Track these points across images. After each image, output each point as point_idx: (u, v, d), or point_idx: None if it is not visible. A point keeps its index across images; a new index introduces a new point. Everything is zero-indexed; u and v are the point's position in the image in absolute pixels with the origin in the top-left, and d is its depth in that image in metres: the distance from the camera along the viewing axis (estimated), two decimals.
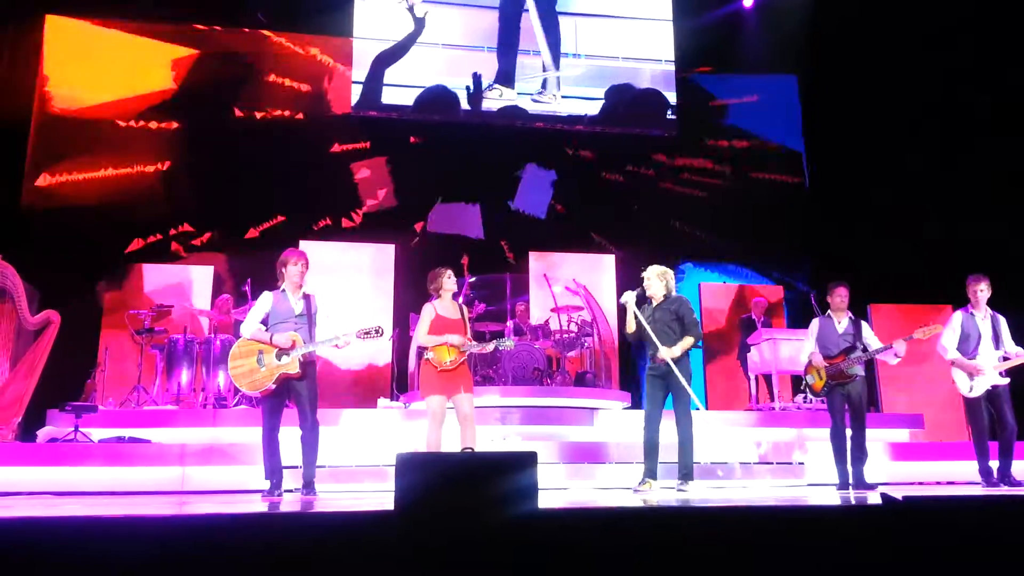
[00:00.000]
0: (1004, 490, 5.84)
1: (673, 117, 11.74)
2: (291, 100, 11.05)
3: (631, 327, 5.85)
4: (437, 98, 11.09)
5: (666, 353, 5.60)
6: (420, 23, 11.19)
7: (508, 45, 11.41)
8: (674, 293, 5.91)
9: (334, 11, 11.06)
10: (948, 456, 7.45)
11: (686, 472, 5.58)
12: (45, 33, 10.40)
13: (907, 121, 10.64)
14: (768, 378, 8.95)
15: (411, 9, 11.15)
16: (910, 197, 10.53)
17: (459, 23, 11.47)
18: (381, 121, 11.06)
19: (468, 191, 11.00)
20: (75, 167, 10.17)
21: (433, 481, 2.78)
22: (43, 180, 10.07)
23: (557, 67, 11.38)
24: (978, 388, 6.17)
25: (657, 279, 5.88)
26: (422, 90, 11.05)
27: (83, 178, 10.17)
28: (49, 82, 10.34)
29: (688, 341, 5.69)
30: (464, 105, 11.11)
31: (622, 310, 6.02)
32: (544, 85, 11.44)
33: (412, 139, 11.11)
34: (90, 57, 10.51)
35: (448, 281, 5.72)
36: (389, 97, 11.11)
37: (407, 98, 11.10)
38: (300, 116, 10.97)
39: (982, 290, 6.26)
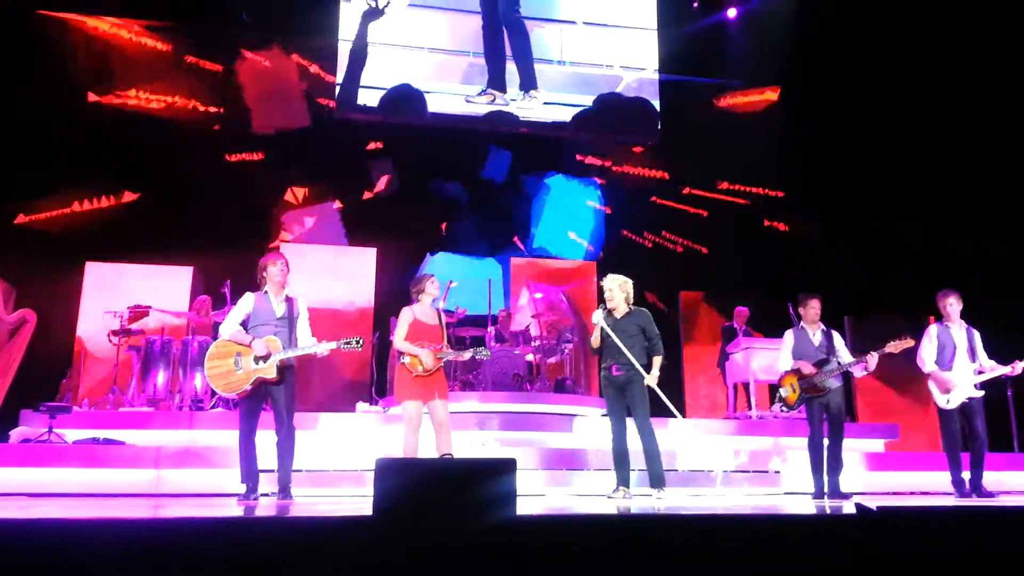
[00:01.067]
0: (976, 501, 5.92)
1: (659, 126, 11.83)
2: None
3: (596, 342, 5.89)
4: (400, 97, 11.21)
5: (652, 381, 5.70)
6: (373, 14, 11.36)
7: (493, 50, 11.51)
8: (632, 303, 5.95)
9: (318, 13, 11.09)
10: (922, 467, 7.53)
11: (657, 480, 5.61)
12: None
13: (888, 132, 10.72)
14: (747, 387, 9.01)
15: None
16: (891, 208, 10.63)
17: (444, 27, 11.52)
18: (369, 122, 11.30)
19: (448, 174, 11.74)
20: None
21: (412, 486, 2.77)
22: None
23: (532, 76, 11.56)
24: (954, 400, 6.28)
25: (618, 289, 5.91)
26: (385, 91, 11.22)
27: None
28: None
29: (658, 361, 5.80)
30: (431, 107, 11.28)
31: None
32: (525, 91, 11.55)
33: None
34: None
35: (431, 286, 5.72)
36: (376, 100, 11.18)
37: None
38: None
39: (951, 304, 6.38)
